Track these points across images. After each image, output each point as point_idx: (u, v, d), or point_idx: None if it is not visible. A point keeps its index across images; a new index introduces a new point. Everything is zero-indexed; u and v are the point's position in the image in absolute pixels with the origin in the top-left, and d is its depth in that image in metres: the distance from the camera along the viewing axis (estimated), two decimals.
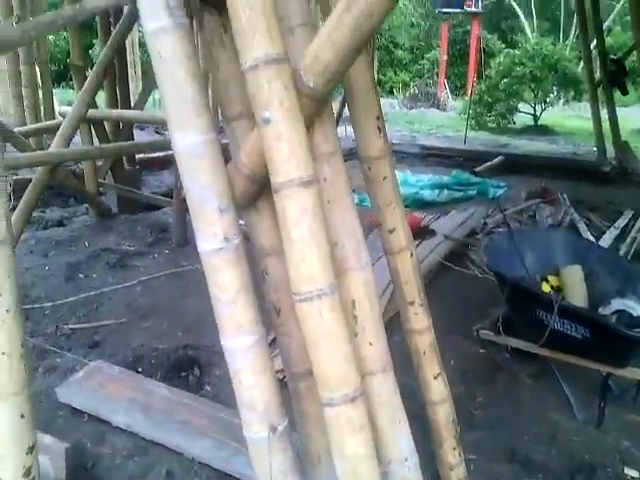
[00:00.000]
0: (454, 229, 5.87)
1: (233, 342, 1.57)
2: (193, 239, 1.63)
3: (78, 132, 4.92)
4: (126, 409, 2.72)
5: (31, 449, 1.45)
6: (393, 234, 2.08)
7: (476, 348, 3.46)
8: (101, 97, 6.21)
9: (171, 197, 5.50)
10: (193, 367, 3.20)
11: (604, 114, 9.27)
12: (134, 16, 4.06)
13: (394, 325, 2.63)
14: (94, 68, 4.35)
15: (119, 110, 5.68)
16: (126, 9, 5.32)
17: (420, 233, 5.49)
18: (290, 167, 1.49)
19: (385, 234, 2.09)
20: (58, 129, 4.48)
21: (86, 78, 4.66)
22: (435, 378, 2.11)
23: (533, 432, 2.78)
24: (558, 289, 3.33)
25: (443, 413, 2.14)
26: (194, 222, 1.61)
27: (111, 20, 6.01)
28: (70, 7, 2.07)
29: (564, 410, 2.96)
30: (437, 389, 2.12)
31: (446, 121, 15.32)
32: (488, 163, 9.11)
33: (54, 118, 6.15)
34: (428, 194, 7.40)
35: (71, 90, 13.83)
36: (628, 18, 12.45)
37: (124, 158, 6.09)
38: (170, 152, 1.64)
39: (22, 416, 1.43)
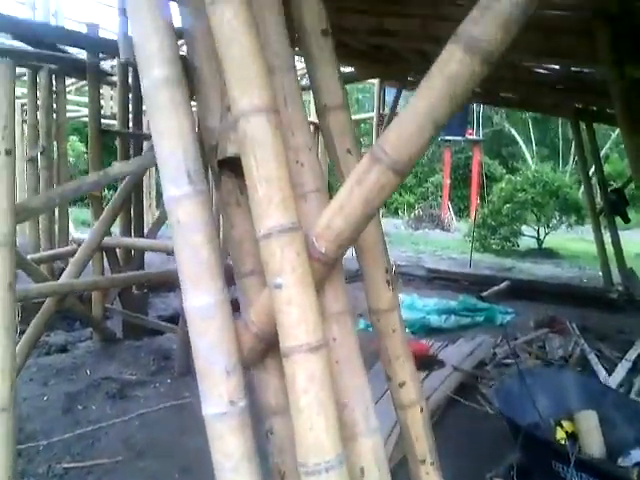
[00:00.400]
0: (463, 359, 5.76)
1: None
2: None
3: None
4: None
5: None
6: (403, 388, 2.03)
7: None
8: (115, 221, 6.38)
9: (176, 322, 5.49)
10: None
11: (607, 237, 9.41)
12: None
13: (401, 475, 2.49)
14: (112, 201, 4.52)
15: (132, 238, 5.83)
16: (146, 145, 5.65)
17: (428, 363, 5.39)
18: (300, 332, 1.49)
19: (394, 387, 2.04)
20: (71, 255, 4.56)
21: (102, 208, 4.82)
22: None
23: None
24: (573, 435, 3.19)
25: None
26: (200, 381, 1.60)
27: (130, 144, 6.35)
28: (94, 173, 2.19)
29: None
30: None
31: (451, 243, 15.57)
32: (495, 288, 9.13)
33: (68, 243, 6.30)
34: (435, 320, 7.35)
35: (86, 209, 14.27)
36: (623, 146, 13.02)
37: None
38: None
39: None
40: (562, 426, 3.24)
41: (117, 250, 5.83)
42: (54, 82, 6.96)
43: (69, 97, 9.80)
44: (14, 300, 1.35)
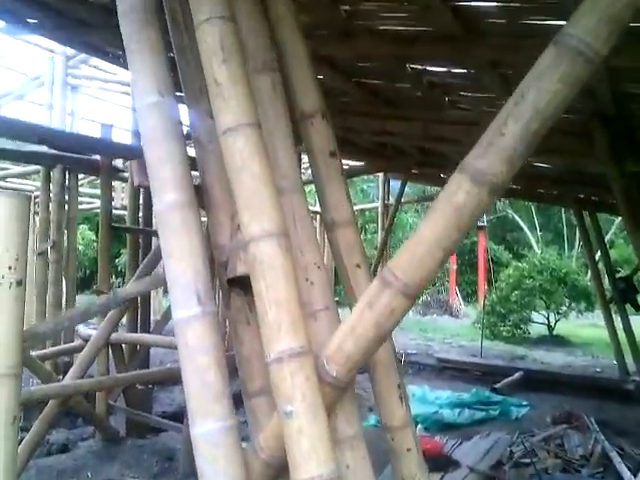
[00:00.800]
0: (479, 459, 5.51)
1: None
2: None
3: None
4: None
5: None
6: None
7: None
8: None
9: (181, 420, 5.33)
10: None
11: (619, 323, 9.25)
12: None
13: None
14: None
15: (138, 334, 5.79)
16: (155, 244, 5.71)
17: (442, 463, 5.15)
18: (311, 464, 1.43)
19: None
20: (76, 351, 4.51)
21: None
22: None
23: None
24: None
25: None
26: None
27: (140, 241, 6.43)
28: (103, 296, 2.21)
29: None
30: None
31: (460, 329, 15.35)
32: (508, 379, 8.90)
33: (73, 338, 6.26)
34: (448, 414, 7.11)
35: (94, 296, 14.25)
36: None
37: None
38: None
39: None
40: None
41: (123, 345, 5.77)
42: (67, 177, 7.15)
43: (81, 189, 10.05)
44: (17, 436, 1.31)
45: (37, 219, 10.86)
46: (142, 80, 1.70)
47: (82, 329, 6.14)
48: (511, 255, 21.06)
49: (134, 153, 5.45)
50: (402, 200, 9.88)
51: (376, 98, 4.99)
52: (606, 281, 9.75)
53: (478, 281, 19.99)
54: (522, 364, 10.42)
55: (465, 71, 3.84)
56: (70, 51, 7.91)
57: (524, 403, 7.73)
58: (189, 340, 1.58)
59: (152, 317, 6.96)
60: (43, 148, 5.71)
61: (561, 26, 2.83)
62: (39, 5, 4.12)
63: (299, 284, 1.64)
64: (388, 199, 11.07)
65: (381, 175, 10.99)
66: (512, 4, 2.78)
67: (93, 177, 10.68)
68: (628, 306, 9.31)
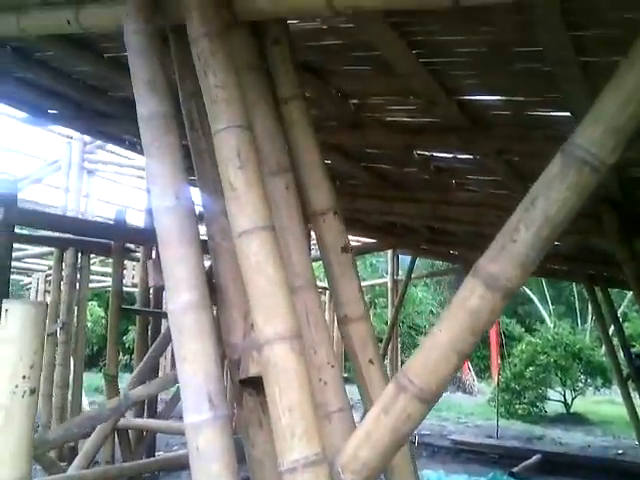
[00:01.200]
0: None
1: None
2: None
3: None
4: None
5: None
6: None
7: None
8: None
9: None
10: None
11: (637, 399, 8.94)
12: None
13: None
14: (128, 385, 4.45)
15: (145, 420, 5.67)
16: (164, 327, 5.72)
17: None
18: None
19: None
20: (82, 437, 4.38)
21: (117, 388, 4.76)
22: None
23: None
24: None
25: None
26: None
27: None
28: (114, 399, 2.19)
29: None
30: None
31: (475, 408, 14.91)
32: (526, 462, 8.56)
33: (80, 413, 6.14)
34: None
35: (100, 374, 14.05)
36: None
37: None
38: None
39: None
40: None
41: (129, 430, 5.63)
42: (79, 257, 7.23)
43: (92, 267, 10.13)
44: None
45: (48, 298, 10.92)
46: (160, 184, 1.75)
47: (87, 402, 6.02)
48: (523, 329, 20.72)
49: (147, 237, 5.55)
50: (412, 275, 9.87)
51: (384, 181, 5.09)
52: (622, 355, 9.53)
53: (491, 356, 19.59)
54: (540, 445, 10.06)
55: (472, 157, 3.93)
56: (87, 137, 8.21)
57: None
58: (200, 445, 1.55)
59: (161, 395, 6.82)
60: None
61: (565, 117, 2.94)
62: (59, 97, 4.31)
63: (313, 384, 1.62)
64: (397, 274, 11.06)
65: (390, 250, 11.04)
66: (516, 98, 2.88)
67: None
68: None
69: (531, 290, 23.00)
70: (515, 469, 8.24)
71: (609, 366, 11.94)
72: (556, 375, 13.23)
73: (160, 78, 1.85)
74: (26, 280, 13.13)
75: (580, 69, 2.31)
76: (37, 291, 11.81)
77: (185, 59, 1.99)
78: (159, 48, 1.89)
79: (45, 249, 8.31)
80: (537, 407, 13.23)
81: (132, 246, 7.19)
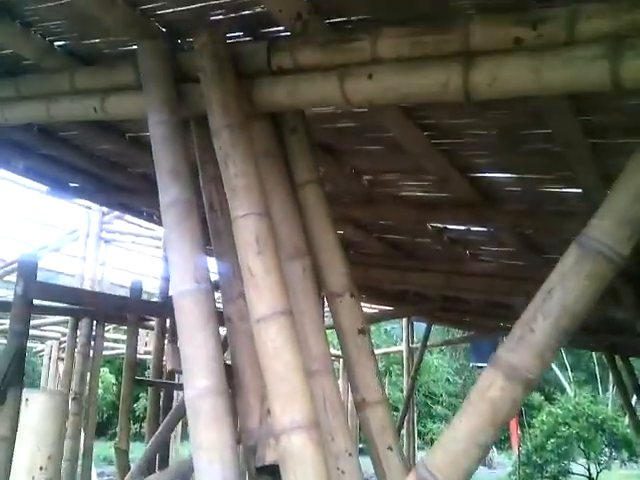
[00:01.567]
0: None
1: None
2: None
3: None
4: None
5: None
6: None
7: None
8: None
9: None
10: None
11: None
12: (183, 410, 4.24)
13: None
14: (137, 463, 4.37)
15: None
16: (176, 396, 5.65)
17: None
18: None
19: None
20: None
21: (128, 462, 4.66)
22: None
23: None
24: None
25: None
26: None
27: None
28: None
29: None
30: None
31: None
32: None
33: None
34: None
35: (110, 442, 13.76)
36: None
37: None
38: None
39: None
40: None
41: None
42: (94, 326, 7.23)
43: (106, 335, 10.11)
44: None
45: (61, 366, 10.87)
46: (180, 268, 1.79)
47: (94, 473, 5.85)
48: (542, 397, 20.15)
49: (161, 310, 5.59)
50: (427, 343, 9.73)
51: (397, 251, 5.12)
52: None
53: (510, 426, 18.99)
54: None
55: (485, 229, 3.96)
56: (106, 208, 8.40)
57: None
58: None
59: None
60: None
61: (575, 194, 2.98)
62: (80, 172, 4.45)
63: (330, 474, 1.59)
64: (412, 342, 10.91)
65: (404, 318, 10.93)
66: (527, 175, 2.93)
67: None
68: None
69: None
70: None
71: (634, 438, 11.50)
72: (579, 447, 12.74)
73: (183, 166, 1.92)
74: (39, 347, 13.11)
75: (589, 150, 2.36)
76: (50, 358, 11.77)
77: (206, 146, 2.07)
78: (182, 137, 1.97)
79: (60, 317, 8.34)
80: None
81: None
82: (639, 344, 7.51)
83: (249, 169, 1.78)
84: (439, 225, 4.18)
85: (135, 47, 2.20)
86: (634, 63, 1.34)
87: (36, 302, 4.53)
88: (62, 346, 11.15)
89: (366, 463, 1.98)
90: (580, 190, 2.90)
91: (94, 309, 5.38)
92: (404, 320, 11.15)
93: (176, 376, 6.39)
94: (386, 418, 1.90)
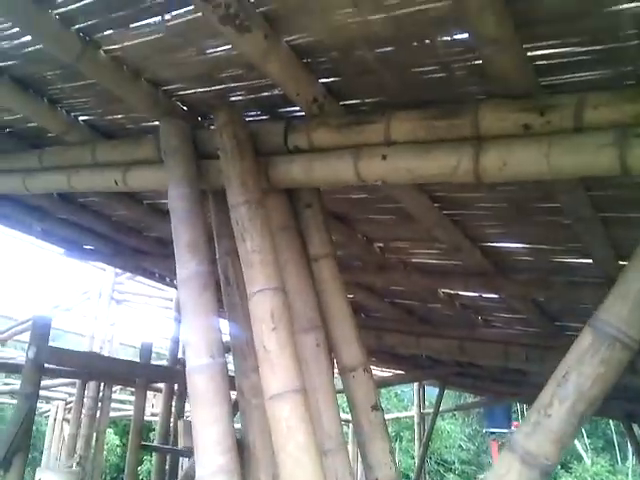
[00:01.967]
0: None
1: None
2: None
3: None
4: None
5: None
6: None
7: None
8: None
9: None
10: None
11: None
12: None
13: None
14: None
15: None
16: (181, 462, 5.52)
17: None
18: None
19: None
20: None
21: None
22: None
23: None
24: None
25: None
26: None
27: None
28: None
29: None
30: None
31: None
32: None
33: None
34: None
35: None
36: None
37: None
38: None
39: None
40: None
41: None
42: (102, 389, 7.17)
43: (112, 396, 9.99)
44: None
45: (66, 428, 10.70)
46: (195, 342, 1.80)
47: None
48: (559, 466, 19.43)
49: (170, 376, 5.58)
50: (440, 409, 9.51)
51: (410, 316, 5.10)
52: None
53: None
54: None
55: (497, 296, 3.96)
56: (119, 269, 8.50)
57: None
58: None
59: None
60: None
61: (587, 264, 2.99)
62: (96, 235, 4.54)
63: None
64: (424, 407, 10.67)
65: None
66: (538, 246, 2.95)
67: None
68: None
69: None
70: None
71: None
72: None
73: (201, 239, 1.97)
74: (44, 407, 12.95)
75: (599, 223, 2.39)
76: (55, 419, 11.61)
77: (223, 219, 2.12)
78: (201, 211, 2.02)
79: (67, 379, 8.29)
80: None
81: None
82: None
83: (265, 244, 1.82)
84: (450, 291, 4.18)
85: (156, 122, 2.29)
86: None
87: (47, 366, 4.54)
88: (68, 407, 11.01)
89: None
90: (591, 261, 2.91)
91: (103, 372, 5.37)
92: (415, 383, 10.95)
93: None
94: None
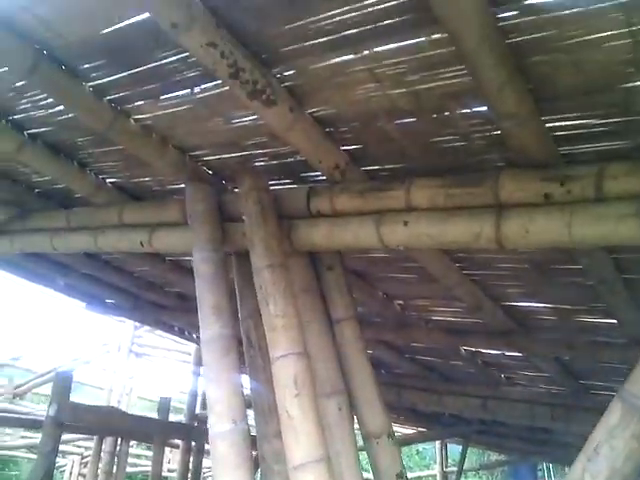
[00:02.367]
0: None
1: None
2: None
3: None
4: None
5: None
6: None
7: None
8: None
9: None
10: None
11: None
12: None
13: None
14: None
15: None
16: None
17: None
18: None
19: None
20: None
21: None
22: None
23: None
24: None
25: None
26: None
27: None
28: None
29: None
30: None
31: None
32: None
33: None
34: None
35: None
36: None
37: None
38: None
39: None
40: None
41: None
42: (119, 444, 7.08)
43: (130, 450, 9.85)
44: None
45: None
46: (217, 407, 1.80)
47: None
48: None
49: (188, 433, 5.55)
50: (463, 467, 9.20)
51: (431, 372, 5.03)
52: None
53: None
54: None
55: (520, 354, 3.89)
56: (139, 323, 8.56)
57: None
58: None
59: None
60: None
61: (611, 324, 2.95)
62: (118, 290, 4.59)
63: None
64: (447, 465, 10.34)
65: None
66: (561, 306, 2.93)
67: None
68: None
69: None
70: None
71: None
72: None
73: (225, 302, 1.99)
74: (61, 462, 12.80)
75: (622, 285, 2.37)
76: (71, 474, 11.45)
77: (246, 281, 2.15)
78: (225, 274, 2.05)
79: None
80: None
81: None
82: None
83: (289, 309, 1.83)
84: (472, 349, 4.12)
85: (182, 185, 2.36)
86: None
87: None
88: (84, 461, 10.86)
89: None
90: (615, 321, 2.87)
91: (122, 429, 5.32)
92: (437, 442, 10.65)
93: None
94: None
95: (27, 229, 3.03)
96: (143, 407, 11.08)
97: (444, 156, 1.81)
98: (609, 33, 1.24)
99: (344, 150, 1.92)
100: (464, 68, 1.37)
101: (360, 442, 2.03)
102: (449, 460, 10.66)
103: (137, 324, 8.96)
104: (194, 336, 5.83)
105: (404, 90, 1.53)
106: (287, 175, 2.18)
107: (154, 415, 6.22)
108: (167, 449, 10.94)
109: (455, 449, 10.25)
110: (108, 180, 2.72)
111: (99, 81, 1.91)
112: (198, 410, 6.88)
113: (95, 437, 7.36)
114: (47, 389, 8.97)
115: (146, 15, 1.46)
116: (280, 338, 1.78)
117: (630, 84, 1.32)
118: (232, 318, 2.00)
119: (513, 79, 1.33)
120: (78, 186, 2.67)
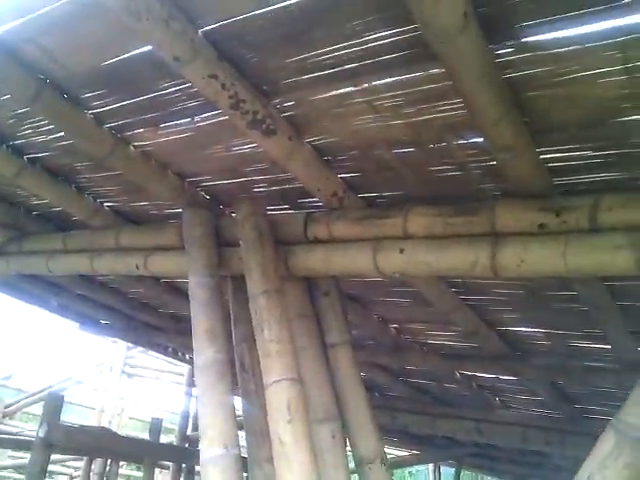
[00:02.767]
0: None
1: None
2: None
3: None
4: None
5: None
6: None
7: None
8: None
9: None
10: None
11: None
12: None
13: None
14: None
15: None
16: None
17: None
18: None
19: None
20: None
21: None
22: None
23: None
24: None
25: None
26: None
27: None
28: None
29: None
30: None
31: None
32: None
33: None
34: None
35: None
36: None
37: None
38: None
39: None
40: None
41: None
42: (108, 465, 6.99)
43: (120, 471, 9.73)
44: None
45: None
46: (209, 433, 1.79)
47: None
48: None
49: (179, 456, 5.50)
50: None
51: (424, 395, 5.01)
52: None
53: None
54: None
55: (514, 378, 3.89)
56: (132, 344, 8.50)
57: None
58: None
59: None
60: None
61: (605, 349, 2.96)
62: (112, 311, 4.58)
63: None
64: None
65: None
66: (556, 331, 2.94)
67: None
68: None
69: None
70: None
71: None
72: None
73: (219, 327, 1.99)
74: None
75: (617, 311, 2.39)
76: None
77: (242, 305, 2.15)
78: (220, 299, 2.06)
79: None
80: None
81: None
82: None
83: (283, 334, 1.83)
84: (467, 372, 4.12)
85: (179, 210, 2.37)
86: None
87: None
88: None
89: None
90: (610, 346, 2.88)
91: (112, 450, 5.26)
92: (430, 465, 10.57)
93: None
94: None
95: (24, 251, 3.03)
96: (134, 427, 10.95)
97: (441, 185, 1.83)
98: (604, 70, 1.26)
99: (342, 178, 1.94)
100: (461, 101, 1.40)
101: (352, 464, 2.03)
102: None
103: (130, 344, 8.91)
104: (187, 357, 5.80)
105: (402, 121, 1.56)
106: (285, 201, 2.20)
107: (145, 436, 6.16)
108: (157, 470, 10.81)
109: (448, 472, 10.15)
110: (106, 204, 2.73)
111: (100, 109, 1.93)
112: (189, 432, 6.82)
113: (85, 458, 7.27)
114: (37, 408, 8.87)
115: (149, 47, 1.48)
116: (274, 364, 1.78)
117: (625, 118, 1.35)
118: (226, 342, 2.00)
119: (509, 112, 1.35)
120: (76, 209, 2.68)
